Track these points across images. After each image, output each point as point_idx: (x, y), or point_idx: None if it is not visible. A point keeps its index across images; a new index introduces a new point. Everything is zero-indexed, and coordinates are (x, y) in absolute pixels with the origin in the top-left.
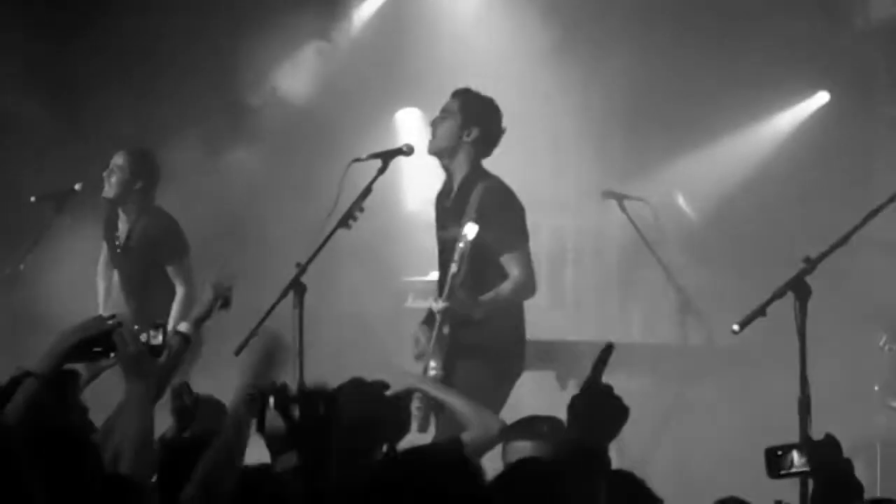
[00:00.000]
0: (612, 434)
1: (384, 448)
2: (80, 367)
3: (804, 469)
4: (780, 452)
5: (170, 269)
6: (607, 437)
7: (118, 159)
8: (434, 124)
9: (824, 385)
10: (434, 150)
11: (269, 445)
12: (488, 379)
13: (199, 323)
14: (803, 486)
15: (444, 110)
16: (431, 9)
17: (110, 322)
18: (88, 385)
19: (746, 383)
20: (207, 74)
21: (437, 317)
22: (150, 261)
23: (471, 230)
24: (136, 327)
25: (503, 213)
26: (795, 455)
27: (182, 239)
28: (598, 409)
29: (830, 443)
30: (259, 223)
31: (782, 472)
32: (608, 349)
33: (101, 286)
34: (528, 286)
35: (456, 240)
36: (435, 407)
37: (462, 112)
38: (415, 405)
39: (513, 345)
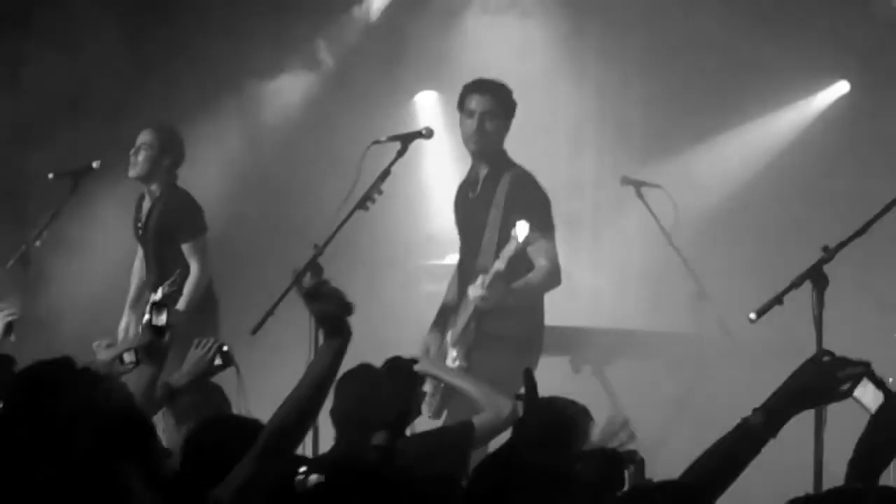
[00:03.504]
0: (578, 446)
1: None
2: None
3: (868, 407)
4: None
5: (185, 248)
6: (567, 452)
7: (146, 136)
8: (481, 122)
9: None
10: (486, 151)
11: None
12: (507, 369)
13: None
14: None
15: (488, 111)
16: None
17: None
18: None
19: (761, 372)
20: (224, 56)
21: (467, 312)
22: (168, 238)
23: (522, 230)
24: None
25: (531, 203)
26: (871, 390)
27: (200, 218)
28: (549, 428)
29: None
30: (277, 204)
31: (854, 395)
32: (529, 375)
33: (132, 284)
34: (554, 276)
35: (483, 228)
36: (448, 392)
37: (505, 112)
38: (427, 390)
39: (534, 336)
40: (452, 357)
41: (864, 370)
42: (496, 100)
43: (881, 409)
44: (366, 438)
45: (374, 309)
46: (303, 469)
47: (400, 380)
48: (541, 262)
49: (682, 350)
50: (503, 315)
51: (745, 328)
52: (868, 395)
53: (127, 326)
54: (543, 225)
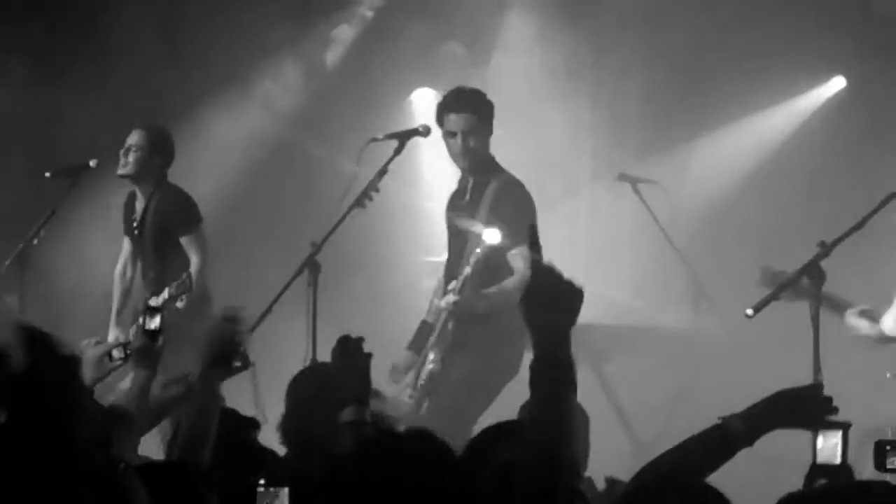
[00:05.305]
0: (572, 317)
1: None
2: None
3: (818, 454)
4: (888, 448)
5: (184, 241)
6: (567, 321)
7: (135, 137)
8: (465, 141)
9: (837, 371)
10: (474, 164)
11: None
12: (483, 370)
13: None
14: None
15: (469, 129)
16: None
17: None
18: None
19: (758, 368)
20: (221, 55)
21: (444, 313)
22: (165, 234)
23: (490, 236)
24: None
25: (513, 209)
26: (832, 444)
27: (194, 210)
28: (550, 292)
29: None
30: (275, 201)
31: (889, 466)
32: (532, 228)
33: (116, 294)
34: None
35: (467, 236)
36: (428, 385)
37: (486, 121)
38: (407, 393)
39: (514, 342)
40: (430, 359)
41: (842, 427)
42: (475, 114)
43: (813, 470)
44: (333, 425)
45: (374, 305)
46: (262, 482)
47: (349, 353)
48: (519, 268)
49: (679, 346)
50: (484, 321)
51: (742, 324)
52: (828, 444)
53: (116, 339)
54: (523, 231)
